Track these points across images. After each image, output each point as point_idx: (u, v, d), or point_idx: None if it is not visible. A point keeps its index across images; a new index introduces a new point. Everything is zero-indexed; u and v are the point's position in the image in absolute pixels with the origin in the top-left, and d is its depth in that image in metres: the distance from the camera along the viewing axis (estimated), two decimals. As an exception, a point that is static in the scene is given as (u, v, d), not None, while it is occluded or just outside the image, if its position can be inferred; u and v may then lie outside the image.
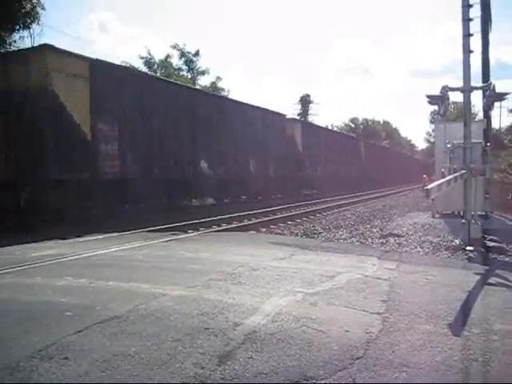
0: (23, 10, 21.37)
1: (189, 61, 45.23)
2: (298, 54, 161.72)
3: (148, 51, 43.15)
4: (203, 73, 45.76)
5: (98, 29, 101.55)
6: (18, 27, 21.59)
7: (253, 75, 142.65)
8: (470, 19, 9.24)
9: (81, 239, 10.39)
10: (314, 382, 3.12)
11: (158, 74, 37.77)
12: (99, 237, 10.72)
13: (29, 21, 21.97)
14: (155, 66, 42.39)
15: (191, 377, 3.14)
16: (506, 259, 8.69)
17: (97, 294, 5.15)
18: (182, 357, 3.45)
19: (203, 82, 45.77)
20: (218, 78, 46.49)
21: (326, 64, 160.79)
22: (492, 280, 6.42)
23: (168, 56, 44.19)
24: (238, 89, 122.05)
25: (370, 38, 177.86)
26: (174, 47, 44.98)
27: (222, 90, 45.43)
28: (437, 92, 9.43)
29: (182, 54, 45.04)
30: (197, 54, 45.49)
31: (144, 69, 40.14)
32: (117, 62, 25.27)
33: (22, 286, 5.62)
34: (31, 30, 22.65)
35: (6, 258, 7.74)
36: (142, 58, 42.53)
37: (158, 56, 44.54)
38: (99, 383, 3.06)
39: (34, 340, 3.75)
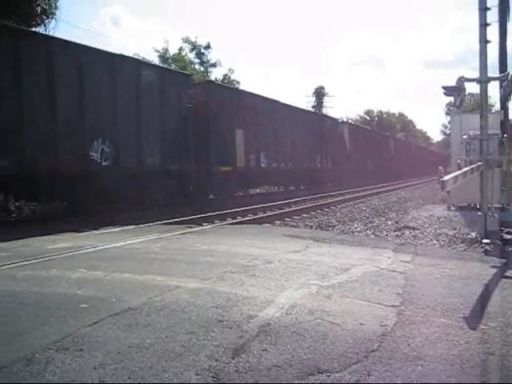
0: (40, 8, 21.68)
1: (200, 53, 45.08)
2: (309, 45, 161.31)
3: (165, 46, 43.15)
4: (215, 65, 45.67)
5: (110, 23, 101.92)
6: (33, 23, 21.82)
7: (264, 67, 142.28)
8: (488, 8, 9.09)
9: (97, 232, 10.47)
10: (328, 374, 3.10)
11: (174, 67, 37.72)
12: (115, 229, 10.80)
13: (44, 17, 22.28)
14: (170, 60, 42.27)
15: (205, 369, 3.14)
16: (524, 252, 8.59)
17: (112, 287, 5.18)
18: (196, 349, 3.46)
19: (215, 74, 45.72)
20: (231, 70, 46.36)
21: (337, 56, 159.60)
22: (509, 273, 6.34)
23: (181, 49, 44.09)
24: (250, 81, 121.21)
25: (381, 29, 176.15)
26: (186, 41, 44.87)
27: (237, 82, 45.31)
28: (451, 83, 9.32)
29: (193, 47, 44.92)
30: (208, 46, 45.28)
31: (158, 63, 40.08)
32: (130, 54, 25.52)
33: (39, 278, 5.67)
34: (46, 26, 22.95)
35: (24, 251, 7.81)
36: (157, 51, 42.54)
37: (171, 49, 44.48)
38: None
39: (49, 332, 3.78)
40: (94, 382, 2.97)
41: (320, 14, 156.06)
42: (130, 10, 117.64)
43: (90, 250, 7.78)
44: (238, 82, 45.60)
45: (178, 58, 42.79)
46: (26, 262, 6.66)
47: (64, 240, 9.06)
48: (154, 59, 40.94)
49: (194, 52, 44.97)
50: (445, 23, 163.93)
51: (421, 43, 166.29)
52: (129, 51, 60.03)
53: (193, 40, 44.87)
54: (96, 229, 10.83)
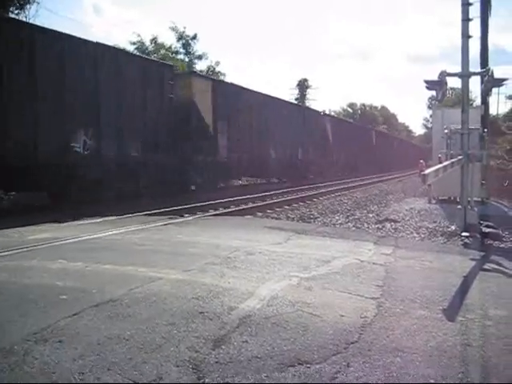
0: None
1: (186, 44, 44.64)
2: (296, 36, 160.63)
3: (139, 36, 42.24)
4: (200, 57, 45.26)
5: (92, 12, 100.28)
6: (11, 8, 21.48)
7: (250, 58, 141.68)
8: (470, 4, 9.15)
9: (78, 222, 10.36)
10: (308, 365, 3.12)
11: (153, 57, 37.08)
12: (97, 220, 10.71)
13: (22, 2, 21.91)
14: (147, 51, 41.45)
15: (186, 360, 3.14)
16: (502, 245, 8.72)
17: (93, 278, 5.15)
18: (176, 340, 3.46)
19: (200, 66, 45.31)
20: (217, 63, 46.02)
21: (322, 48, 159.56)
22: (487, 266, 6.45)
23: (155, 38, 43.18)
24: (235, 72, 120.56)
25: (366, 22, 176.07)
26: (173, 29, 44.33)
27: (222, 74, 45.00)
28: (434, 77, 9.37)
29: (180, 37, 44.43)
30: (194, 37, 44.84)
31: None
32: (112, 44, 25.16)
33: (19, 269, 5.60)
34: (26, 12, 22.59)
35: (3, 241, 7.69)
36: (134, 43, 41.68)
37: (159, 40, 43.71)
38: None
39: (29, 323, 3.75)
40: (73, 373, 2.95)
41: (308, 4, 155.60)
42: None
43: (71, 240, 7.70)
44: (223, 74, 45.35)
45: (155, 49, 42.11)
46: (5, 253, 6.56)
47: (44, 230, 8.95)
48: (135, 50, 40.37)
49: (180, 42, 44.46)
50: (429, 16, 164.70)
51: (406, 35, 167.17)
52: (111, 41, 59.30)
53: (180, 29, 44.35)
54: (77, 219, 10.73)
